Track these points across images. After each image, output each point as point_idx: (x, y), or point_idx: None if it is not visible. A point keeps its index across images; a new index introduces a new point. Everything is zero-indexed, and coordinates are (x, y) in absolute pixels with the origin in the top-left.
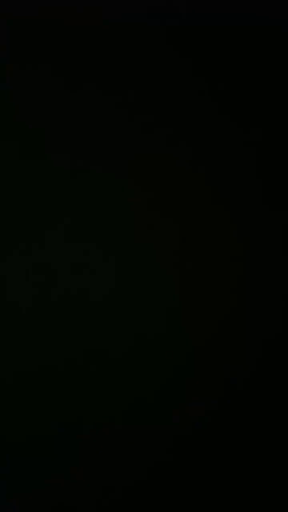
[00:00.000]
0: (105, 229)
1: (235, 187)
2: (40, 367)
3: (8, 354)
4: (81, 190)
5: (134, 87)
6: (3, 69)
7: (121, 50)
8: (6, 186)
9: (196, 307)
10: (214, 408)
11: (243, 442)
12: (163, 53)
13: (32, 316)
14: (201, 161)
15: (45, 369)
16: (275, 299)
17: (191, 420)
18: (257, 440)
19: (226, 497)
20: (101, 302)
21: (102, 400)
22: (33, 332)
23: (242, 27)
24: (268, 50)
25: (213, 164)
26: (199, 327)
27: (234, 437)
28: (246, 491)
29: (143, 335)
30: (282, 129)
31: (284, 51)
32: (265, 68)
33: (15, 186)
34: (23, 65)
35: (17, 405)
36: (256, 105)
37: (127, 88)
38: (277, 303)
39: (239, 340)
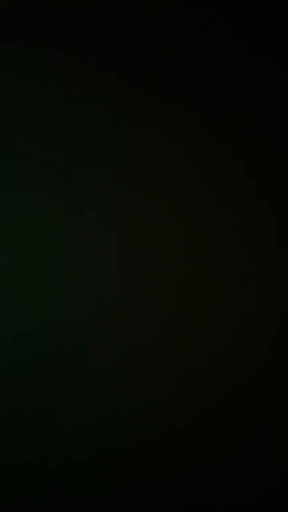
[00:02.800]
0: (104, 228)
1: (235, 187)
2: (36, 365)
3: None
4: (80, 190)
5: (134, 86)
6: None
7: (120, 42)
8: (5, 184)
9: (194, 306)
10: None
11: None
12: (163, 50)
13: (27, 316)
14: (201, 161)
15: (42, 367)
16: (275, 299)
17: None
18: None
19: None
20: (101, 304)
21: (102, 399)
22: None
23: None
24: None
25: (213, 163)
26: (197, 326)
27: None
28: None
29: (142, 334)
30: (282, 129)
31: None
32: (265, 67)
33: (13, 185)
34: (23, 60)
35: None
36: (256, 105)
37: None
38: (277, 303)
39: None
